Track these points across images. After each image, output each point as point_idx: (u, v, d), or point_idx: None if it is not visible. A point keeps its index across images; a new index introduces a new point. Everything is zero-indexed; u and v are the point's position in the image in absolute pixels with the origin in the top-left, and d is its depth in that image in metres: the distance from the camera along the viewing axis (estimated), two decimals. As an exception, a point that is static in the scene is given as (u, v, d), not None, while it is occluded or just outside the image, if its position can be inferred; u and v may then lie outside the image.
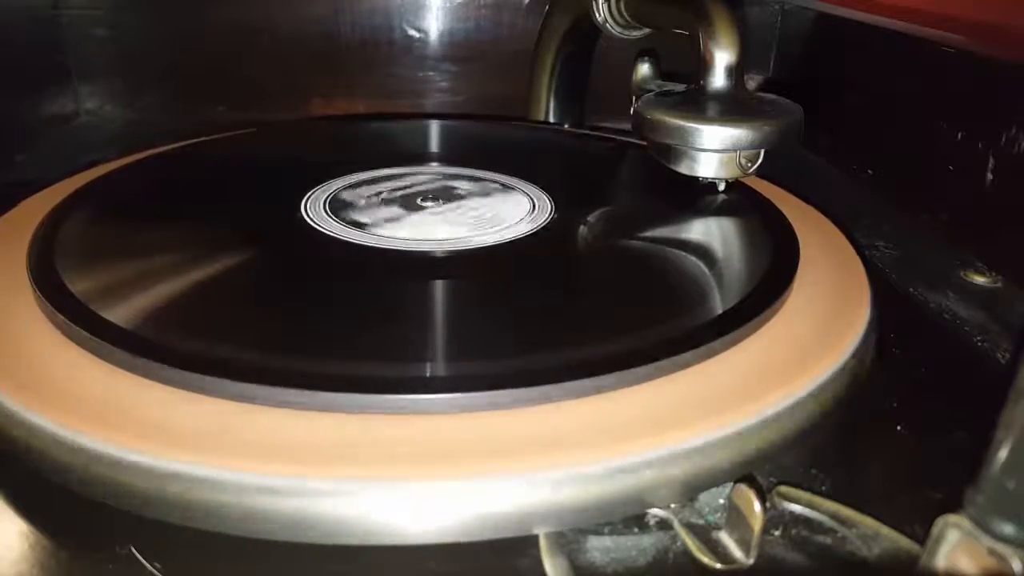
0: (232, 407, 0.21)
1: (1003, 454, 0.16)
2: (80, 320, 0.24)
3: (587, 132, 0.50)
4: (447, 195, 0.37)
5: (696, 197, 0.37)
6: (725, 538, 0.20)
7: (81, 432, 0.21)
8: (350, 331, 0.26)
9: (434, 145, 0.46)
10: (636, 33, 0.47)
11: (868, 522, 0.21)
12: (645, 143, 0.38)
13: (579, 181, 0.41)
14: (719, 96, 0.35)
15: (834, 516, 0.21)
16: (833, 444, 0.25)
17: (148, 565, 0.19)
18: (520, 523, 0.20)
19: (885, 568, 0.20)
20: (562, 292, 0.30)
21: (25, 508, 0.21)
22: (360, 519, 0.19)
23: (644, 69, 0.41)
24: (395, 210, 0.35)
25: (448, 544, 0.20)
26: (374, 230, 0.33)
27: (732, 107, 0.35)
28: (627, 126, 0.38)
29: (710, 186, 0.37)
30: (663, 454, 0.20)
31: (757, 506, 0.20)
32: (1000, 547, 0.16)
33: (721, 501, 0.21)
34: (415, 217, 0.34)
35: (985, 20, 0.44)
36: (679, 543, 0.20)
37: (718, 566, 0.20)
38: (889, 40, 0.47)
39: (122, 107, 0.61)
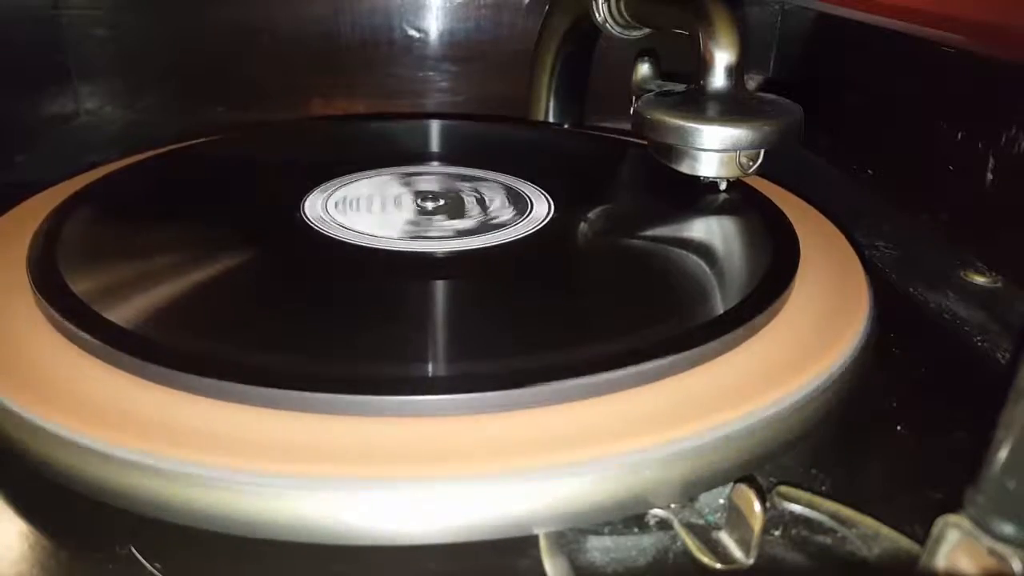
0: (232, 408, 0.21)
1: (1003, 454, 0.16)
2: (80, 321, 0.24)
3: (587, 132, 0.50)
4: (447, 195, 0.37)
5: (696, 197, 0.37)
6: (725, 538, 0.20)
7: (80, 432, 0.21)
8: (350, 332, 0.26)
9: (434, 145, 0.46)
10: (636, 33, 0.47)
11: (868, 522, 0.21)
12: (645, 143, 0.38)
13: (579, 181, 0.41)
14: (719, 96, 0.35)
15: (834, 516, 0.21)
16: (833, 444, 0.25)
17: (148, 565, 0.19)
18: (520, 523, 0.20)
19: (885, 568, 0.20)
20: (562, 292, 0.30)
21: (25, 508, 0.21)
22: (360, 519, 0.19)
23: (644, 69, 0.41)
24: (395, 210, 0.35)
25: (448, 544, 0.20)
26: (374, 230, 0.33)
27: (732, 107, 0.35)
28: (627, 126, 0.38)
29: (710, 186, 0.37)
30: (663, 454, 0.20)
31: (757, 506, 0.20)
32: (1000, 547, 0.16)
33: (721, 501, 0.21)
34: (414, 217, 0.34)
35: (985, 20, 0.44)
36: (679, 543, 0.20)
37: (718, 566, 0.20)
38: (889, 40, 0.47)
39: (122, 107, 0.61)
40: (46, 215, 0.32)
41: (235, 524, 0.19)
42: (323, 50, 0.62)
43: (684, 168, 0.36)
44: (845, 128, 0.51)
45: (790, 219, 0.34)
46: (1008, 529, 0.16)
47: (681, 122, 0.34)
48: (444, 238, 0.32)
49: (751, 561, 0.20)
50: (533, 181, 0.39)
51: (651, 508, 0.21)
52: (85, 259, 0.29)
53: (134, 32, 0.60)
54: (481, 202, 0.36)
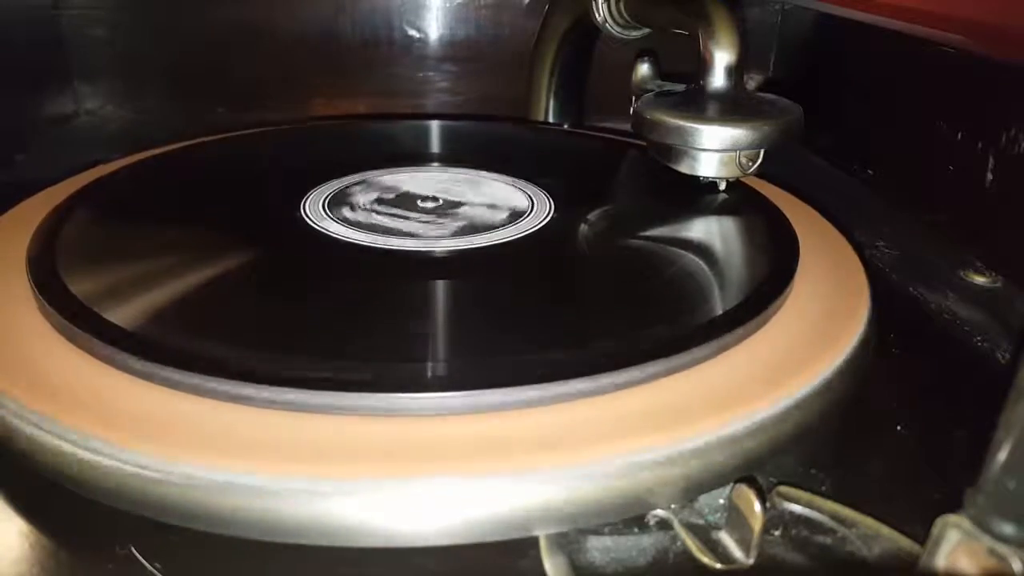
0: (232, 408, 0.21)
1: (1003, 454, 0.16)
2: (80, 321, 0.24)
3: (587, 132, 0.50)
4: (446, 195, 0.37)
5: (696, 197, 0.37)
6: (725, 538, 0.20)
7: (80, 432, 0.20)
8: (350, 331, 0.26)
9: (434, 145, 0.46)
10: (636, 33, 0.47)
11: (868, 522, 0.21)
12: (645, 143, 0.38)
13: (579, 181, 0.41)
14: (719, 96, 0.35)
15: (834, 516, 0.21)
16: (833, 444, 0.25)
17: (148, 565, 0.19)
18: (520, 523, 0.20)
19: (885, 568, 0.20)
20: (562, 292, 0.30)
21: (25, 508, 0.21)
22: (359, 520, 0.19)
23: (644, 69, 0.41)
24: (394, 210, 0.35)
25: (448, 545, 0.20)
26: (373, 230, 0.33)
27: (732, 107, 0.35)
28: (627, 126, 0.38)
29: (710, 186, 0.37)
30: (663, 454, 0.20)
31: (757, 506, 0.20)
32: (1000, 547, 0.16)
33: (721, 501, 0.21)
34: (414, 217, 0.34)
35: (985, 20, 0.44)
36: (679, 543, 0.20)
37: (718, 566, 0.20)
38: (889, 40, 0.47)
39: (122, 107, 0.61)
40: (46, 215, 0.32)
41: (235, 525, 0.19)
42: (323, 50, 0.62)
43: (684, 168, 0.36)
44: (845, 128, 0.51)
45: (790, 219, 0.34)
46: (1008, 529, 0.16)
47: (681, 122, 0.34)
48: (444, 238, 0.32)
49: (751, 561, 0.20)
50: (533, 181, 0.39)
51: (651, 508, 0.21)
52: (85, 259, 0.29)
53: (134, 32, 0.60)
54: (480, 202, 0.36)
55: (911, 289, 0.36)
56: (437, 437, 0.21)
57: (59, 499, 0.21)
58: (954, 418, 0.26)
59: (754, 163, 0.35)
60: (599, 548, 0.20)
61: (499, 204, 0.36)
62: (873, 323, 0.28)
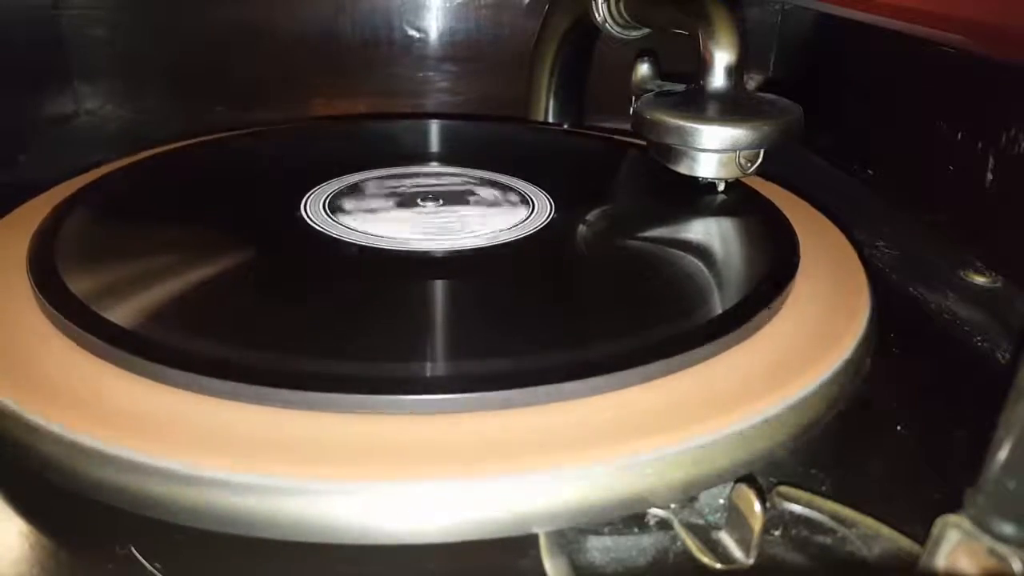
0: (232, 407, 0.21)
1: (1003, 454, 0.16)
2: (80, 320, 0.24)
3: (587, 132, 0.50)
4: (446, 195, 0.37)
5: (696, 197, 0.37)
6: (725, 538, 0.20)
7: (81, 432, 0.20)
8: (350, 331, 0.26)
9: (434, 145, 0.46)
10: (635, 33, 0.47)
11: (868, 522, 0.21)
12: (645, 143, 0.38)
13: (579, 181, 0.41)
14: (719, 96, 0.35)
15: (834, 516, 0.21)
16: (833, 444, 0.25)
17: (148, 565, 0.19)
18: (520, 523, 0.20)
19: (885, 568, 0.20)
20: (562, 292, 0.30)
21: (25, 508, 0.21)
22: (360, 519, 0.19)
23: (644, 69, 0.41)
24: (394, 210, 0.35)
25: (448, 544, 0.20)
26: (373, 230, 0.33)
27: (732, 107, 0.35)
28: (627, 126, 0.38)
29: (710, 186, 0.37)
30: (663, 454, 0.20)
31: (757, 506, 0.20)
32: (1000, 547, 0.16)
33: (721, 501, 0.21)
34: (414, 217, 0.34)
35: (985, 20, 0.44)
36: (679, 543, 0.20)
37: (718, 566, 0.20)
38: (889, 40, 0.47)
39: (122, 107, 0.61)
40: (46, 215, 0.32)
41: (235, 524, 0.19)
42: (323, 50, 0.62)
43: (683, 168, 0.36)
44: (845, 128, 0.51)
45: (790, 219, 0.34)
46: (1008, 529, 0.16)
47: (680, 122, 0.34)
48: (444, 238, 0.32)
49: (751, 561, 0.20)
50: (533, 181, 0.39)
51: (651, 508, 0.21)
52: (85, 259, 0.29)
53: (134, 32, 0.60)
54: (481, 202, 0.36)
55: (911, 289, 0.36)
56: (437, 437, 0.21)
57: (59, 499, 0.21)
58: (954, 418, 0.26)
59: (754, 163, 0.35)
60: (599, 548, 0.20)
61: (499, 204, 0.36)
62: (873, 323, 0.28)
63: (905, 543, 0.20)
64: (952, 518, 0.17)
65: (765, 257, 0.30)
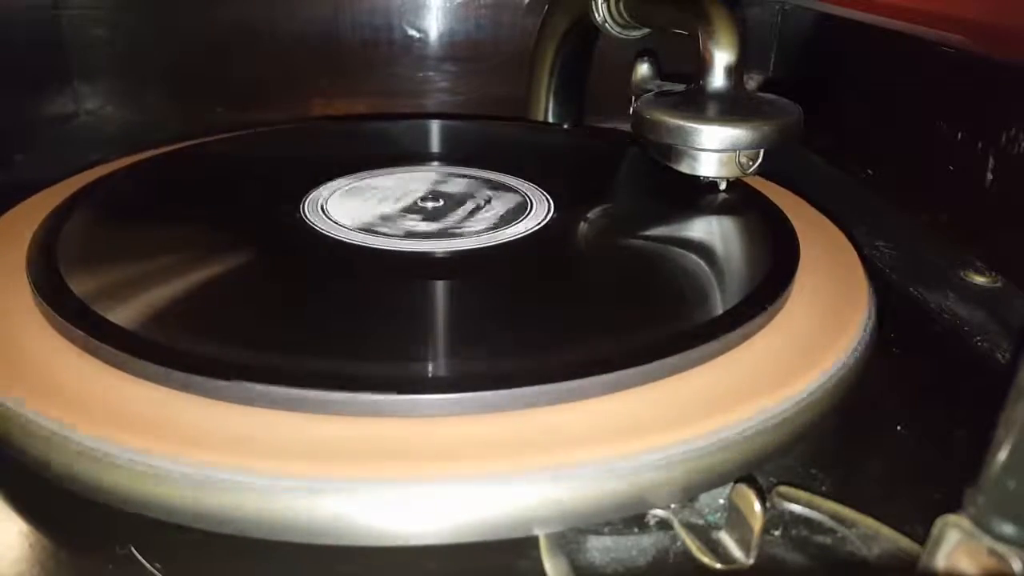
0: (232, 408, 0.21)
1: (1003, 454, 0.16)
2: (79, 321, 0.24)
3: (587, 132, 0.50)
4: (446, 195, 0.37)
5: (696, 196, 0.37)
6: (725, 538, 0.20)
7: (81, 432, 0.20)
8: (349, 331, 0.26)
9: (434, 145, 0.46)
10: (635, 33, 0.47)
11: (868, 522, 0.21)
12: (644, 143, 0.38)
13: (578, 181, 0.41)
14: (718, 96, 0.35)
15: (834, 516, 0.21)
16: (833, 444, 0.25)
17: (148, 565, 0.19)
18: (520, 524, 0.20)
19: (885, 568, 0.20)
20: (562, 292, 0.30)
21: (25, 508, 0.21)
22: (360, 520, 0.19)
23: (644, 69, 0.41)
24: (394, 210, 0.35)
25: (448, 545, 0.20)
26: (373, 230, 0.33)
27: (731, 107, 0.35)
28: (627, 126, 0.38)
29: (710, 185, 0.37)
30: (663, 454, 0.20)
31: (757, 506, 0.20)
32: (1000, 547, 0.16)
33: (721, 501, 0.21)
34: (414, 217, 0.34)
35: (985, 20, 0.44)
36: (679, 543, 0.20)
37: (718, 566, 0.20)
38: (889, 40, 0.47)
39: (122, 107, 0.61)
40: (46, 215, 0.32)
41: (235, 524, 0.19)
42: (323, 50, 0.62)
43: (684, 168, 0.36)
44: (845, 128, 0.51)
45: (790, 219, 0.34)
46: (1008, 529, 0.16)
47: (680, 122, 0.34)
48: (444, 238, 0.32)
49: (751, 561, 0.20)
50: (533, 181, 0.39)
51: (651, 508, 0.21)
52: (85, 259, 0.29)
53: (134, 32, 0.60)
54: (481, 202, 0.36)
55: (911, 289, 0.36)
56: (437, 437, 0.21)
57: (59, 499, 0.21)
58: (954, 418, 0.26)
59: (754, 163, 0.35)
60: (599, 548, 0.20)
61: (499, 204, 0.36)
62: (873, 323, 0.28)
63: (905, 543, 0.20)
64: (952, 518, 0.17)
65: (765, 257, 0.30)
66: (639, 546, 0.20)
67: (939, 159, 0.41)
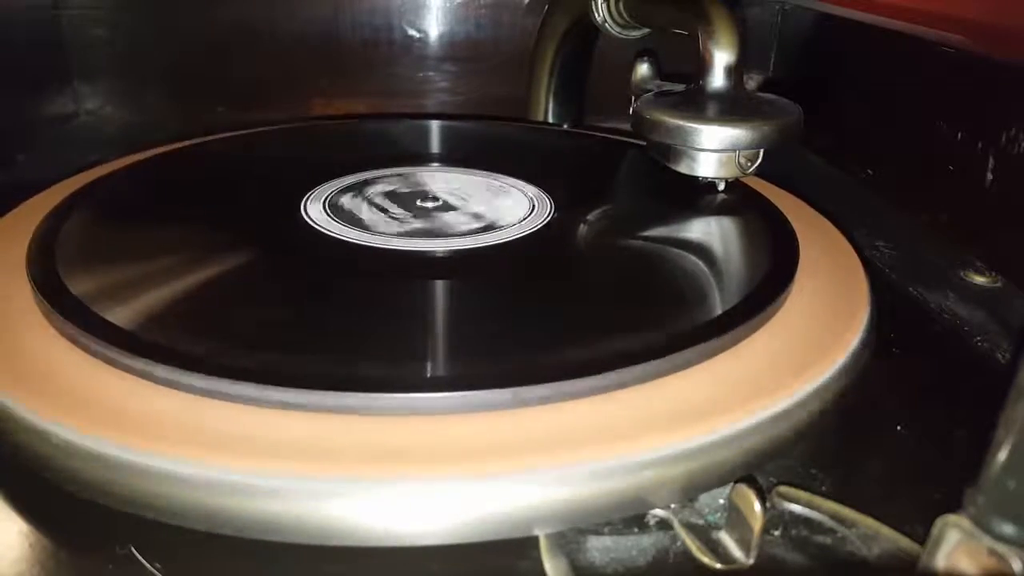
0: (231, 408, 0.21)
1: (1003, 454, 0.16)
2: (80, 321, 0.24)
3: (587, 132, 0.50)
4: (446, 195, 0.37)
5: (695, 197, 0.37)
6: (725, 538, 0.20)
7: (80, 432, 0.20)
8: (349, 331, 0.26)
9: (434, 145, 0.46)
10: (635, 33, 0.47)
11: (868, 522, 0.21)
12: (644, 143, 0.38)
13: (578, 181, 0.41)
14: (718, 96, 0.35)
15: (834, 516, 0.21)
16: (833, 444, 0.25)
17: (148, 565, 0.19)
18: (520, 523, 0.20)
19: (885, 568, 0.20)
20: (561, 292, 0.30)
21: (25, 508, 0.21)
22: (360, 520, 0.19)
23: (643, 69, 0.41)
24: (394, 210, 0.35)
25: (448, 545, 0.20)
26: (373, 230, 0.33)
27: (731, 107, 0.35)
28: (626, 126, 0.38)
29: (709, 186, 0.37)
30: (663, 454, 0.20)
31: (757, 506, 0.20)
32: (1000, 547, 0.16)
33: (721, 501, 0.21)
34: (414, 217, 0.34)
35: (985, 20, 0.44)
36: (679, 543, 0.20)
37: (718, 566, 0.20)
38: (889, 40, 0.47)
39: (122, 107, 0.61)
40: (46, 215, 0.32)
41: (235, 524, 0.19)
42: (323, 50, 0.62)
43: (683, 168, 0.36)
44: (845, 128, 0.51)
45: (790, 219, 0.34)
46: (1008, 529, 0.16)
47: (680, 122, 0.34)
48: (444, 238, 0.32)
49: (751, 561, 0.20)
50: (533, 181, 0.39)
51: (651, 508, 0.21)
52: (85, 259, 0.29)
53: (134, 32, 0.60)
54: (481, 202, 0.36)
55: (911, 289, 0.36)
56: (436, 436, 0.21)
57: (59, 499, 0.21)
58: (954, 418, 0.26)
59: (753, 163, 0.35)
60: (599, 548, 0.20)
61: (499, 204, 0.36)
62: (873, 323, 0.28)
63: (905, 543, 0.20)
64: (952, 518, 0.17)
65: (765, 257, 0.30)
66: (639, 546, 0.20)
67: (939, 159, 0.41)
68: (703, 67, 0.36)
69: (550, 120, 0.54)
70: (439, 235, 0.33)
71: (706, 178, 0.36)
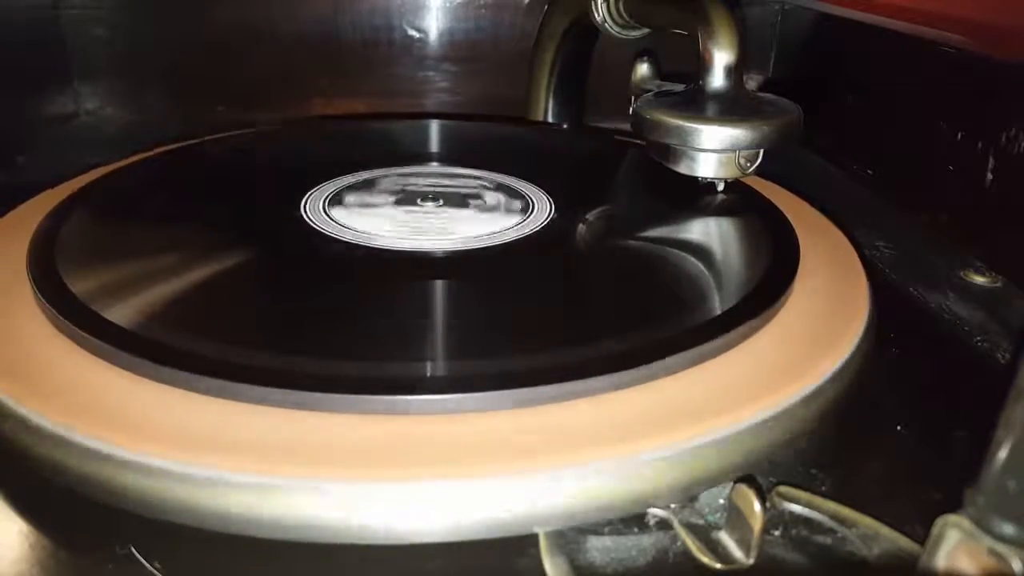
0: (231, 407, 0.21)
1: (1003, 454, 0.16)
2: (80, 320, 0.24)
3: (587, 132, 0.50)
4: (446, 195, 0.37)
5: (695, 197, 0.37)
6: (725, 538, 0.20)
7: (80, 432, 0.21)
8: (349, 331, 0.26)
9: (434, 145, 0.46)
10: (635, 33, 0.47)
11: (868, 522, 0.21)
12: (644, 143, 0.38)
13: (578, 181, 0.41)
14: (718, 96, 0.35)
15: (834, 516, 0.21)
16: (833, 444, 0.25)
17: (148, 565, 0.19)
18: (520, 522, 0.20)
19: (885, 568, 0.20)
20: (561, 292, 0.30)
21: (25, 508, 0.21)
22: (360, 518, 0.19)
23: (643, 69, 0.41)
24: (394, 210, 0.35)
25: (448, 544, 0.20)
26: (374, 230, 0.33)
27: (731, 107, 0.35)
28: (626, 126, 0.38)
29: (709, 186, 0.37)
30: (663, 454, 0.20)
31: (757, 506, 0.20)
32: (1000, 547, 0.16)
33: (721, 501, 0.21)
34: (414, 217, 0.34)
35: (985, 20, 0.44)
36: (679, 543, 0.20)
37: (718, 566, 0.20)
38: (889, 40, 0.47)
39: (122, 107, 0.61)
40: (46, 215, 0.32)
41: (235, 524, 0.19)
42: (323, 50, 0.62)
43: (682, 168, 0.36)
44: (845, 128, 0.51)
45: (790, 219, 0.34)
46: (1008, 529, 0.16)
47: (680, 122, 0.34)
48: (444, 238, 0.32)
49: (751, 561, 0.20)
50: (533, 181, 0.39)
51: (651, 508, 0.21)
52: (85, 259, 0.29)
53: (134, 32, 0.60)
54: (481, 202, 0.36)
55: (911, 289, 0.36)
56: (436, 437, 0.21)
57: (59, 499, 0.21)
58: (954, 418, 0.26)
59: (753, 163, 0.35)
60: (599, 548, 0.20)
61: (499, 204, 0.36)
62: (873, 323, 0.28)
63: (905, 543, 0.20)
64: (952, 518, 0.17)
65: (765, 257, 0.30)
66: (639, 546, 0.20)
67: (939, 159, 0.41)
68: (703, 67, 0.36)
69: (550, 120, 0.54)
70: (439, 236, 0.33)
71: (706, 178, 0.36)
